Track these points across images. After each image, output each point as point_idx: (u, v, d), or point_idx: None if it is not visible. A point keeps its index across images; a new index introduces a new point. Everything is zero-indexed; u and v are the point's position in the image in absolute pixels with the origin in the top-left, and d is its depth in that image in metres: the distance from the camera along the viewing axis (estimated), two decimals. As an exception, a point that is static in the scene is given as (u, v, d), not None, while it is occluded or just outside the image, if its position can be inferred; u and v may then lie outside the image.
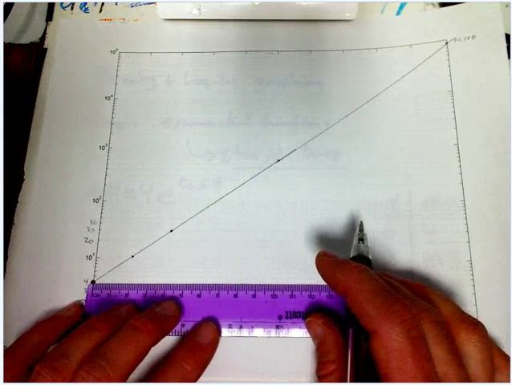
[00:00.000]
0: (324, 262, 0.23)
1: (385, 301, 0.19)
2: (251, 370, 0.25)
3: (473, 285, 0.26)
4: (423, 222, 0.27)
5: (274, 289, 0.26)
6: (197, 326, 0.25)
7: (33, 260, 0.27)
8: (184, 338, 0.25)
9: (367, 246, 0.24)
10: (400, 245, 0.27)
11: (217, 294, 0.26)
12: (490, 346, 0.20)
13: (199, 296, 0.26)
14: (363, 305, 0.19)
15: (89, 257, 0.27)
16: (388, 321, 0.18)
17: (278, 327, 0.25)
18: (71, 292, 0.26)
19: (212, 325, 0.25)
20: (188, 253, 0.27)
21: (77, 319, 0.25)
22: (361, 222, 0.26)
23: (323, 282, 0.23)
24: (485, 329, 0.21)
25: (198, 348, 0.24)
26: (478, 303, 0.25)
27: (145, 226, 0.28)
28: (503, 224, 0.27)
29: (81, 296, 0.26)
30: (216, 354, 0.25)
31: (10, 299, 0.26)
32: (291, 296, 0.26)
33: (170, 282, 0.27)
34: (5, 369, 0.21)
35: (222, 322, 0.26)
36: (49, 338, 0.24)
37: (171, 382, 0.22)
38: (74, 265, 0.27)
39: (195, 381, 0.23)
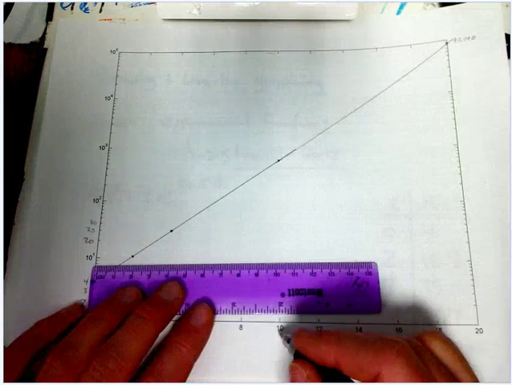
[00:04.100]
0: (304, 339, 0.22)
1: (373, 344, 0.20)
2: (251, 370, 0.25)
3: (473, 286, 0.26)
4: (423, 222, 0.27)
5: (277, 268, 0.26)
6: (191, 309, 0.25)
7: (33, 260, 0.27)
8: (179, 322, 0.25)
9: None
10: (400, 245, 0.27)
11: (221, 274, 0.26)
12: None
13: (202, 276, 0.26)
14: (358, 357, 0.20)
15: (89, 257, 0.27)
16: (387, 357, 0.19)
17: (280, 304, 0.26)
18: (71, 292, 0.27)
19: (205, 306, 0.25)
20: (188, 253, 0.27)
21: (77, 318, 0.25)
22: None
23: (324, 260, 0.26)
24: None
25: (193, 330, 0.24)
26: (478, 303, 0.25)
27: (145, 226, 0.28)
28: (503, 224, 0.27)
29: (81, 296, 0.26)
30: (215, 353, 0.25)
31: (10, 299, 0.26)
32: (293, 274, 0.26)
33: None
34: (4, 367, 0.21)
35: (225, 301, 0.26)
36: (48, 337, 0.24)
37: (169, 366, 0.22)
38: (74, 265, 0.27)
39: (193, 362, 0.23)
